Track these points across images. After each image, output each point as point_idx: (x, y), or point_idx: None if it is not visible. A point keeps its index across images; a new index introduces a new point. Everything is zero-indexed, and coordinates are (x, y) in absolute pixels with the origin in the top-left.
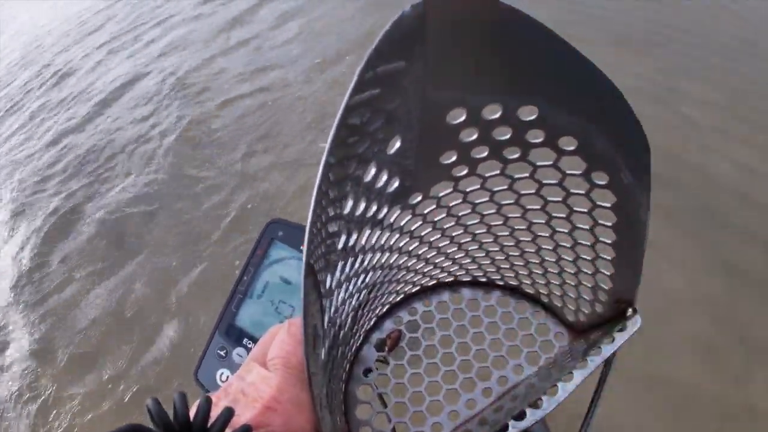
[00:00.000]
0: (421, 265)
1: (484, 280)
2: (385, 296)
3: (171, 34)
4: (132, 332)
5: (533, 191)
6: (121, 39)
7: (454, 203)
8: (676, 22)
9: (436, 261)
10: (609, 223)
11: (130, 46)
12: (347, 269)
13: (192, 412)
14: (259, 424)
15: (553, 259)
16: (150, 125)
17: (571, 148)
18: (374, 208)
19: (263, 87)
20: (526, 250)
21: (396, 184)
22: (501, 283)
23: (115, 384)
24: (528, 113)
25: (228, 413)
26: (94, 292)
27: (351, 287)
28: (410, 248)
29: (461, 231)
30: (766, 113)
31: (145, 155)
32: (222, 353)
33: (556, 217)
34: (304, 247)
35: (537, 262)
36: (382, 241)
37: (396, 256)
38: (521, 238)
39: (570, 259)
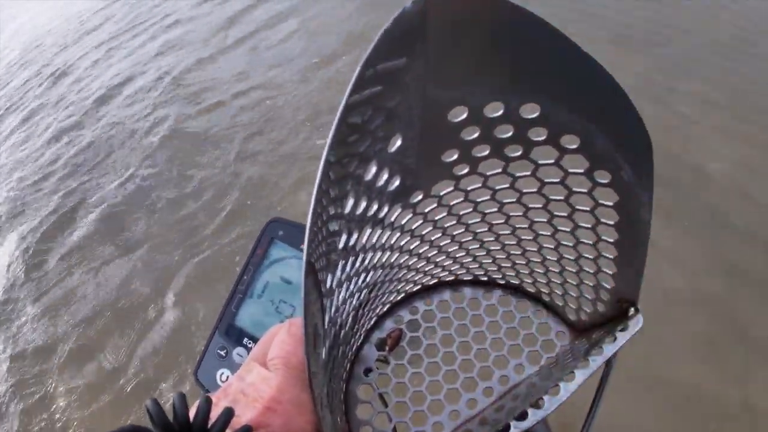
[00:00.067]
0: (422, 263)
1: (485, 278)
2: (386, 295)
3: (169, 34)
4: (131, 325)
5: (535, 190)
6: (119, 38)
7: (455, 202)
8: (677, 22)
9: (437, 260)
10: (611, 222)
11: (128, 46)
12: (348, 268)
13: (192, 413)
14: (260, 425)
15: (555, 258)
16: (147, 122)
17: (574, 146)
18: (375, 206)
19: (259, 85)
20: (528, 248)
21: (397, 182)
22: (502, 281)
23: (116, 376)
24: (530, 111)
25: (228, 414)
26: (94, 286)
27: (352, 286)
28: (411, 247)
29: (462, 230)
30: (766, 113)
31: (142, 152)
32: (222, 353)
33: (557, 216)
34: (305, 246)
35: (538, 260)
36: (383, 240)
37: (397, 255)
38: (523, 237)
39: (572, 257)
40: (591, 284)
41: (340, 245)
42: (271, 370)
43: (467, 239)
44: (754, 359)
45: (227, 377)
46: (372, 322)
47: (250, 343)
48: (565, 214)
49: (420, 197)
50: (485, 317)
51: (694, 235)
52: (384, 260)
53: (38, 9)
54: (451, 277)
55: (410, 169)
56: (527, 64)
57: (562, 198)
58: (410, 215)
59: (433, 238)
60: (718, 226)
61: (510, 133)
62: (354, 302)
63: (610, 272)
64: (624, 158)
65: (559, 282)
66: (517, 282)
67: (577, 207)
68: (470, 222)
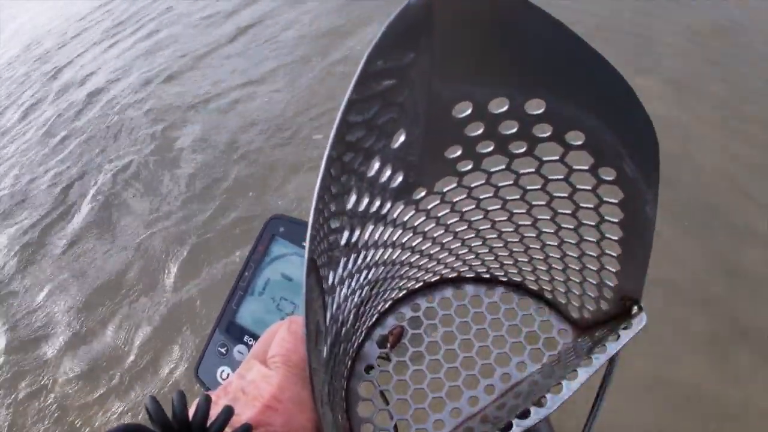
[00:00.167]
0: (424, 260)
1: (487, 276)
2: (388, 292)
3: (166, 29)
4: (130, 309)
5: (539, 187)
6: (118, 35)
7: (458, 198)
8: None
9: (440, 257)
10: (615, 220)
11: (127, 41)
12: (350, 265)
13: (191, 411)
14: (260, 423)
15: (558, 256)
16: (144, 112)
17: (579, 142)
18: (377, 203)
19: (255, 80)
20: (531, 246)
21: (400, 179)
22: (505, 279)
23: (115, 363)
24: (535, 107)
25: (227, 412)
26: (93, 274)
27: (353, 283)
28: (413, 244)
29: (465, 227)
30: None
31: (141, 139)
32: (223, 350)
33: (561, 213)
34: (307, 244)
35: (541, 258)
36: (385, 237)
37: (399, 251)
38: (526, 234)
39: (575, 255)
40: (594, 282)
41: (342, 242)
42: (271, 368)
43: (470, 236)
44: (755, 359)
45: (228, 375)
46: (373, 319)
47: (250, 340)
48: (569, 211)
49: (423, 194)
50: (487, 314)
51: (694, 235)
52: (386, 257)
53: (38, 9)
54: (453, 274)
55: (413, 165)
56: (533, 59)
57: (566, 195)
58: (413, 212)
59: (435, 235)
60: (719, 224)
61: (514, 129)
62: (355, 299)
63: (614, 270)
64: (629, 155)
65: (561, 279)
66: (519, 279)
67: (581, 204)
68: (473, 219)
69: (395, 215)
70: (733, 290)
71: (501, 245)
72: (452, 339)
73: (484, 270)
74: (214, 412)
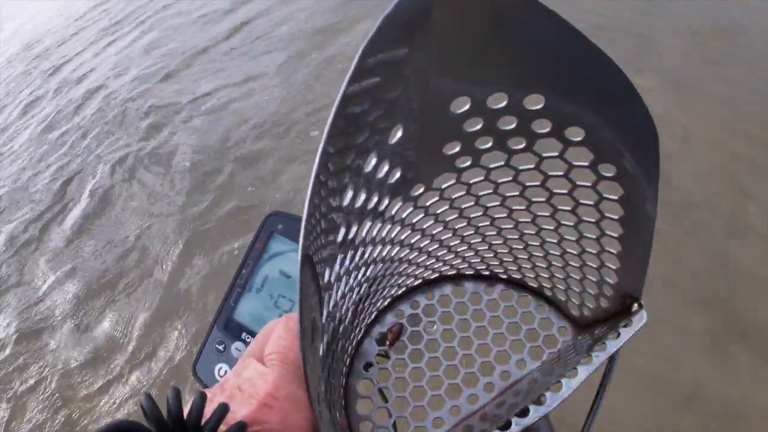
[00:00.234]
0: (423, 257)
1: (487, 273)
2: (387, 289)
3: (164, 27)
4: (130, 300)
5: (538, 183)
6: (116, 33)
7: (457, 195)
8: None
9: (439, 254)
10: (615, 217)
11: (124, 39)
12: (347, 262)
13: (187, 409)
14: (255, 421)
15: (558, 253)
16: (141, 108)
17: (578, 138)
18: (375, 199)
19: (252, 76)
20: (530, 243)
21: (397, 175)
22: (504, 276)
23: (116, 350)
24: (534, 102)
25: (222, 410)
26: (93, 266)
27: (351, 281)
28: (412, 241)
29: (464, 223)
30: (766, 107)
31: (139, 135)
32: (220, 347)
33: (561, 210)
34: (301, 238)
35: (541, 255)
36: (383, 234)
37: (397, 248)
38: (525, 231)
39: (575, 252)
40: (594, 279)
41: (339, 239)
42: (267, 366)
43: (469, 233)
44: (755, 359)
45: (225, 372)
46: (372, 317)
47: (248, 337)
48: (568, 208)
49: (421, 190)
50: (487, 312)
51: (694, 235)
52: (384, 254)
53: (37, 8)
54: (453, 272)
55: (411, 161)
56: (532, 54)
57: (565, 191)
58: (411, 208)
59: (434, 232)
60: (719, 225)
61: (513, 125)
62: (354, 297)
63: (614, 267)
64: (630, 151)
65: (561, 277)
66: (519, 276)
67: (581, 201)
68: (472, 216)
69: (393, 212)
70: (733, 290)
71: (500, 242)
72: (451, 336)
73: (484, 267)
74: (210, 409)
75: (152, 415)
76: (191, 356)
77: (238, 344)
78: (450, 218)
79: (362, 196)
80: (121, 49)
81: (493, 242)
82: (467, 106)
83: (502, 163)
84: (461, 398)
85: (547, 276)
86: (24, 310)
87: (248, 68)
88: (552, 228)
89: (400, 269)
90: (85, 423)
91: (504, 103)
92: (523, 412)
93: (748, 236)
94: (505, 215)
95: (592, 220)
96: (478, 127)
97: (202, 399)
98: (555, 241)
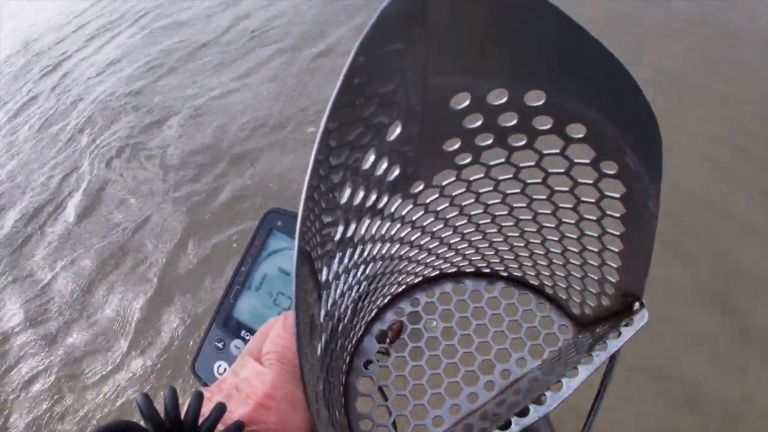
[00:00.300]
0: (423, 255)
1: (487, 270)
2: (387, 287)
3: (162, 22)
4: (129, 288)
5: (539, 180)
6: (113, 30)
7: (457, 192)
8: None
9: (439, 251)
10: (617, 215)
11: (121, 36)
12: (346, 260)
13: (184, 409)
14: (252, 421)
15: (559, 251)
16: (138, 103)
17: (580, 135)
18: (374, 197)
19: (248, 70)
20: (531, 240)
21: (396, 172)
22: (505, 274)
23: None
24: (535, 98)
25: (219, 409)
26: (92, 256)
27: (350, 279)
28: (412, 238)
29: (464, 221)
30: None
31: (136, 129)
32: (219, 345)
33: (562, 208)
34: (297, 234)
35: (542, 253)
36: (383, 232)
37: (397, 246)
38: (526, 229)
39: (576, 250)
40: (595, 278)
41: (337, 236)
42: (265, 366)
43: (469, 230)
44: (755, 358)
45: (224, 370)
46: (372, 314)
47: (247, 335)
48: (570, 206)
49: (421, 187)
50: (487, 309)
51: (694, 235)
52: (384, 252)
53: (36, 8)
54: (453, 269)
55: (410, 158)
56: (533, 49)
57: (567, 189)
58: (411, 206)
59: (434, 229)
60: (719, 224)
61: (514, 122)
62: (353, 294)
63: (615, 266)
64: (632, 148)
65: (562, 275)
66: (520, 274)
67: (583, 198)
68: (472, 213)
69: (393, 209)
70: (733, 289)
71: (501, 239)
72: (452, 334)
73: (484, 265)
74: (208, 408)
75: (149, 415)
76: (187, 345)
77: (237, 342)
78: (450, 215)
79: (360, 194)
80: (119, 45)
81: (494, 240)
82: (467, 102)
83: (503, 160)
84: (461, 396)
85: (548, 274)
86: (25, 302)
87: (245, 63)
88: (553, 225)
89: (400, 267)
90: (84, 412)
91: (504, 100)
92: (523, 412)
93: (748, 236)
94: (505, 212)
95: (594, 217)
96: (479, 123)
97: (198, 398)
98: (556, 238)
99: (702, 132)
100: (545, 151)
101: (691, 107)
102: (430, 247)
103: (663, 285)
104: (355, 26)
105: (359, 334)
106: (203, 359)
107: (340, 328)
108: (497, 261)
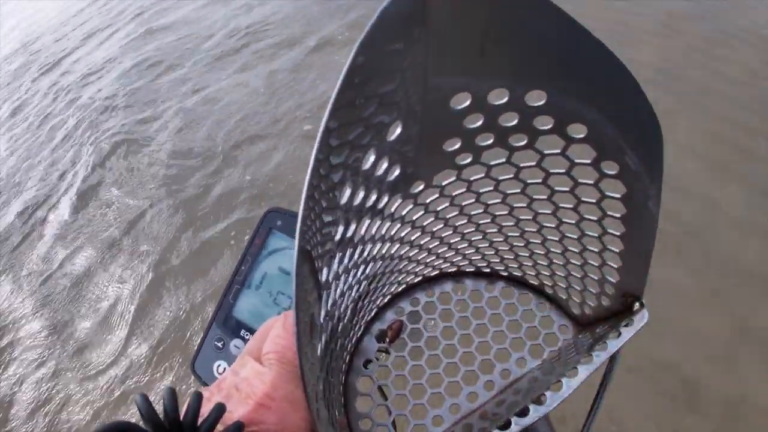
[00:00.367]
0: (423, 255)
1: (487, 270)
2: (386, 286)
3: (158, 21)
4: (127, 278)
5: (540, 180)
6: (111, 28)
7: (457, 192)
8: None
9: (439, 251)
10: (618, 215)
11: (119, 33)
12: (346, 260)
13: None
14: (252, 421)
15: (559, 251)
16: (135, 100)
17: (581, 135)
18: (374, 197)
19: (245, 66)
20: (531, 240)
21: (396, 172)
22: (505, 273)
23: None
24: (536, 98)
25: (219, 410)
26: (92, 248)
27: (351, 279)
28: (412, 238)
29: (465, 221)
30: (766, 103)
31: (133, 125)
32: (219, 344)
33: (563, 208)
34: (297, 233)
35: (542, 253)
36: (383, 231)
37: (397, 246)
38: (526, 229)
39: (576, 250)
40: (596, 278)
41: (338, 236)
42: (265, 365)
43: (469, 230)
44: (755, 358)
45: (224, 369)
46: (372, 314)
47: (247, 335)
48: (570, 206)
49: (421, 187)
50: (487, 309)
51: (694, 235)
52: (384, 251)
53: (36, 7)
54: (453, 269)
55: (410, 158)
56: (533, 49)
57: (567, 189)
58: (411, 206)
59: (434, 229)
60: (719, 223)
61: (515, 122)
62: (353, 294)
63: (616, 266)
64: (633, 148)
65: (563, 275)
66: (520, 274)
67: (583, 198)
68: (473, 213)
69: (393, 209)
70: (733, 288)
71: (501, 239)
72: (452, 334)
73: (484, 264)
74: (207, 408)
75: (148, 415)
76: (183, 336)
77: (236, 341)
78: (450, 215)
79: (361, 194)
80: (116, 43)
81: (494, 239)
82: (467, 102)
83: (503, 160)
84: (461, 396)
85: (548, 273)
86: (22, 298)
87: (240, 60)
88: (553, 225)
89: (400, 266)
90: (84, 404)
91: (505, 99)
92: (523, 412)
93: (748, 236)
94: (506, 212)
95: (594, 218)
96: (479, 123)
97: (198, 398)
98: (556, 238)
99: (702, 132)
100: (546, 151)
101: (691, 107)
102: (430, 246)
103: (663, 285)
104: (349, 23)
105: (359, 333)
106: (203, 359)
107: (340, 327)
108: (497, 261)
